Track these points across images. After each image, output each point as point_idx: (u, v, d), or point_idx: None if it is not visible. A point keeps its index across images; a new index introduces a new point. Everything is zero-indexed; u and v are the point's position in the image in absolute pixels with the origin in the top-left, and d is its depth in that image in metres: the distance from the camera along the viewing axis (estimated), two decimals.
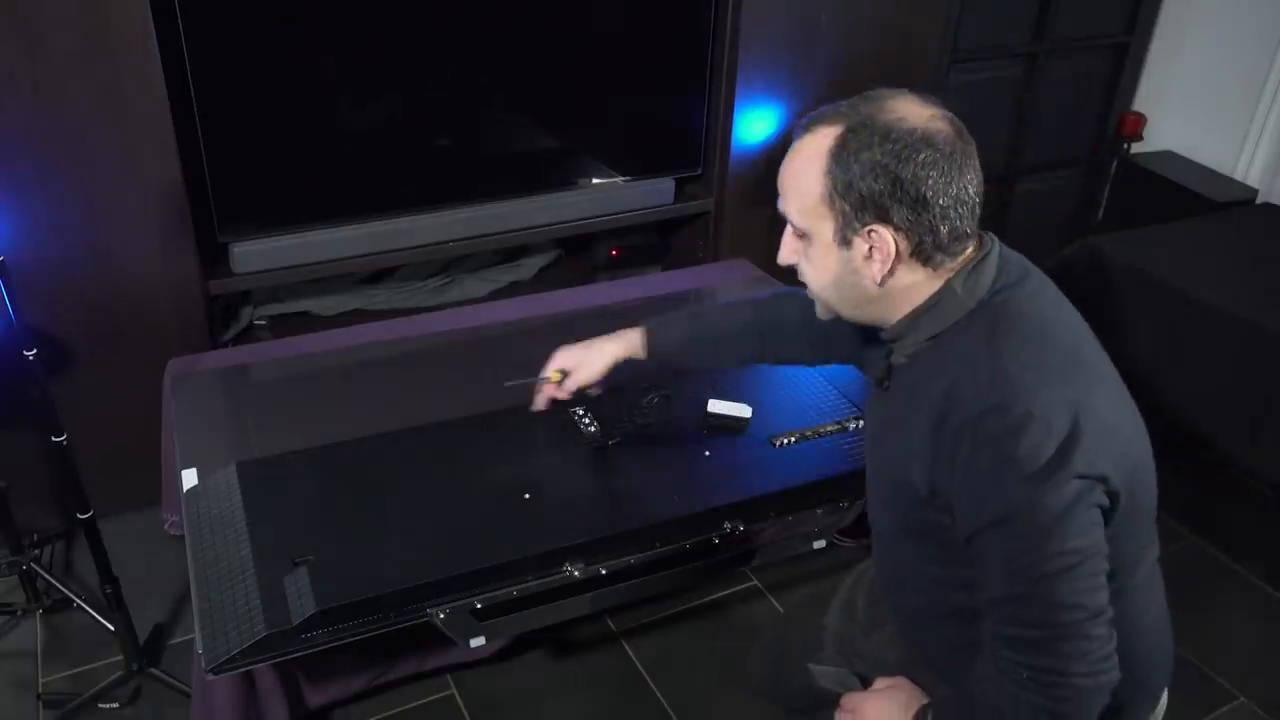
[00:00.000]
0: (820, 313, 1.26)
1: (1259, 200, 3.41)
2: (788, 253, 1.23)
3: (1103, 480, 1.06)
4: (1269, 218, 3.21)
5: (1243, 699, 2.17)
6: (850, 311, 1.22)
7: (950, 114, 1.13)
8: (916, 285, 1.15)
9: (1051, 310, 1.17)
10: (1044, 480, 1.03)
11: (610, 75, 2.74)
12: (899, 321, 1.18)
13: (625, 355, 1.64)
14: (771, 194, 1.21)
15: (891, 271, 1.14)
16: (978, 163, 1.12)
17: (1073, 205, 3.83)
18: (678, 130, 2.83)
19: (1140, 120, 3.69)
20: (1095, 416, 1.07)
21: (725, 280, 2.70)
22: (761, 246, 2.96)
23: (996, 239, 1.18)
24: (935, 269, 1.14)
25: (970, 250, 1.15)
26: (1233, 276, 2.75)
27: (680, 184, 2.89)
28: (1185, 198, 3.40)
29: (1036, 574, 1.05)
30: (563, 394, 1.66)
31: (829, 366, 2.13)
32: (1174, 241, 2.97)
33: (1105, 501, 1.08)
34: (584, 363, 1.64)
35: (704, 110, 2.81)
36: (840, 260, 1.16)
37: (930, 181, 1.08)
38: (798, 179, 1.16)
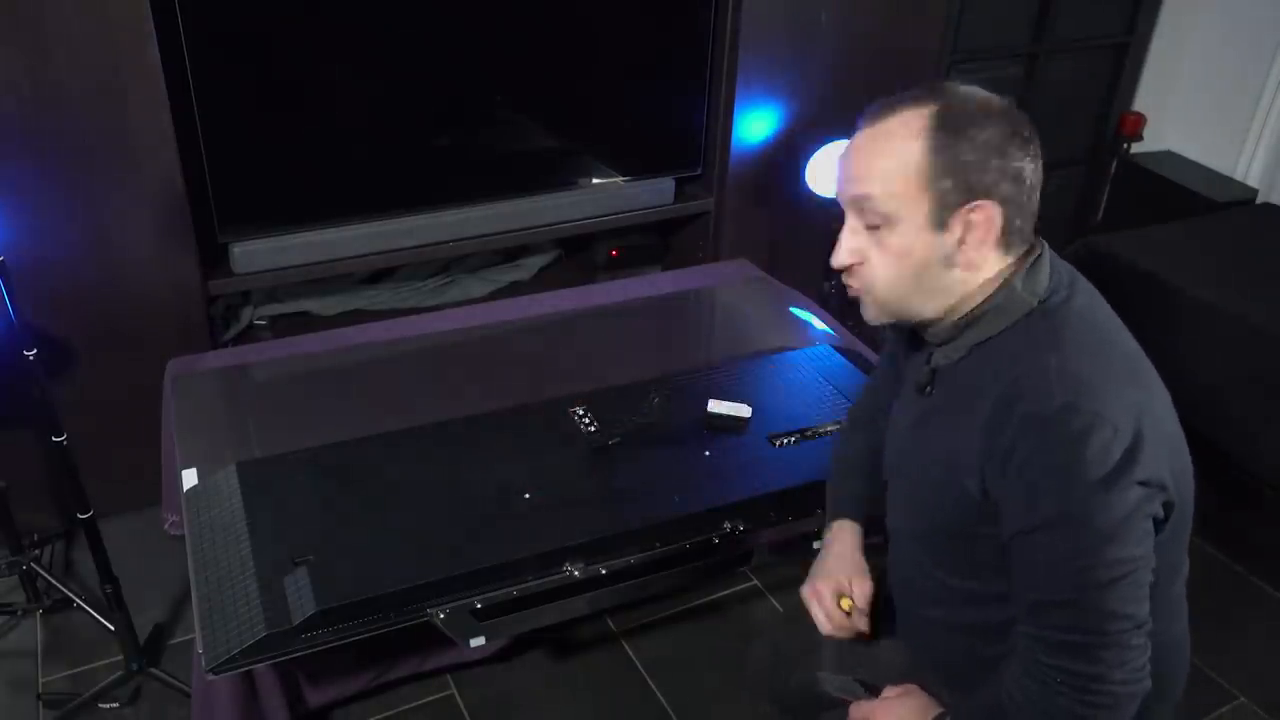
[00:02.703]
0: (872, 316, 1.22)
1: (1259, 200, 3.41)
2: (847, 254, 1.17)
3: (1162, 488, 1.06)
4: (1269, 218, 3.21)
5: (1243, 699, 2.17)
6: (919, 306, 1.17)
7: None
8: (986, 276, 1.14)
9: (1106, 314, 1.18)
10: (1109, 485, 1.02)
11: (610, 75, 2.74)
12: (956, 320, 1.17)
13: (858, 540, 1.46)
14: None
15: (983, 253, 1.13)
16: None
17: (1073, 205, 3.83)
18: (678, 130, 2.83)
19: (1140, 120, 3.68)
20: (1157, 423, 1.07)
21: (725, 280, 2.70)
22: (761, 247, 2.96)
23: (1045, 242, 1.18)
24: (1009, 258, 1.15)
25: (1026, 248, 1.16)
26: (1233, 276, 2.75)
27: (680, 184, 2.88)
28: (1185, 198, 3.40)
29: (1087, 580, 1.04)
30: (863, 624, 1.40)
31: (829, 366, 2.14)
32: (1174, 241, 2.97)
33: (1160, 512, 1.07)
34: (855, 576, 1.41)
35: (704, 110, 2.81)
36: (930, 245, 1.12)
37: (1027, 159, 1.10)
38: (887, 161, 1.11)
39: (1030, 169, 1.11)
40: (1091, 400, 1.04)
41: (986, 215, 1.10)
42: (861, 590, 1.38)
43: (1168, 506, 1.09)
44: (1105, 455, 1.02)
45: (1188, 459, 1.16)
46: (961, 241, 1.12)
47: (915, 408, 1.26)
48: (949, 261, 1.13)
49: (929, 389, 1.23)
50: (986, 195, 1.09)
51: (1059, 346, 1.09)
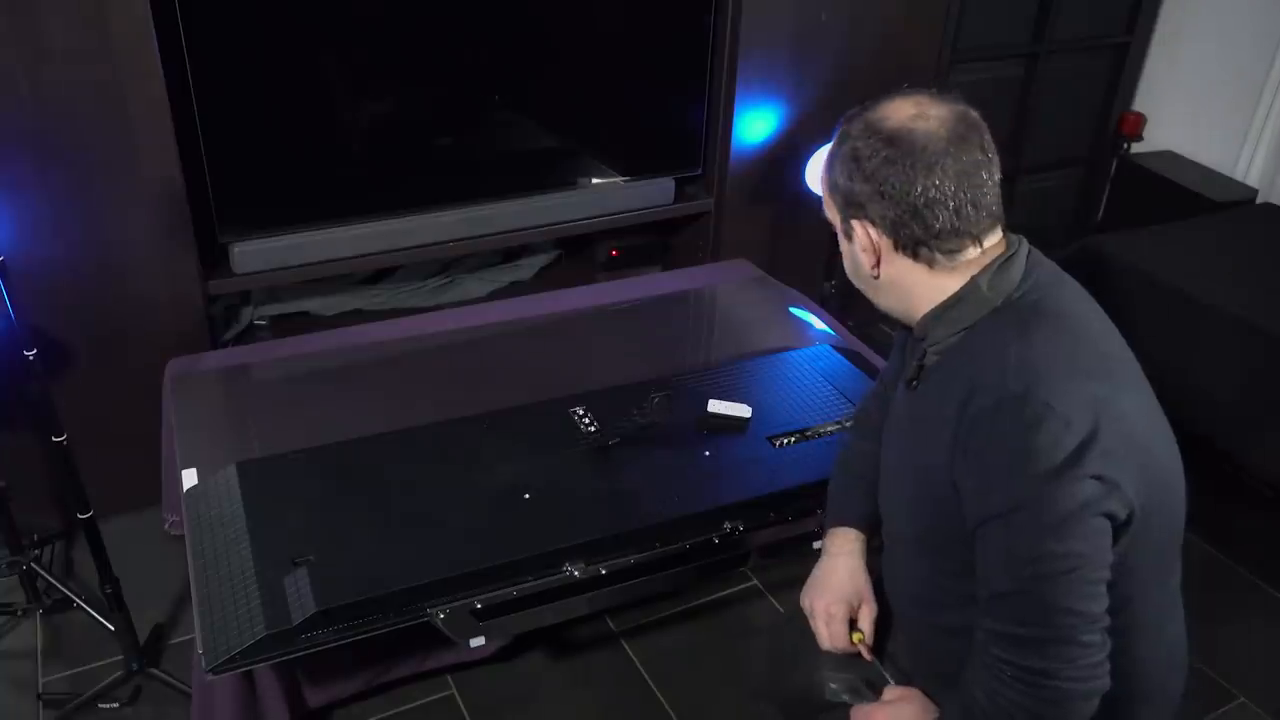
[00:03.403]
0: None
1: (1259, 200, 3.41)
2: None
3: (1116, 487, 1.05)
4: (1269, 218, 3.21)
5: (1243, 699, 2.17)
6: (874, 299, 1.26)
7: (957, 115, 1.13)
8: (917, 279, 1.17)
9: (1087, 313, 1.17)
10: (1056, 477, 1.02)
11: (610, 75, 2.74)
12: (924, 317, 1.19)
13: (863, 551, 1.47)
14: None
15: (879, 263, 1.18)
16: (974, 164, 1.12)
17: (1073, 205, 3.83)
18: (678, 130, 2.83)
19: (1140, 120, 3.69)
20: (1120, 421, 1.06)
21: (725, 280, 2.70)
22: (761, 246, 2.96)
23: (1025, 241, 1.19)
24: (932, 265, 1.16)
25: (981, 250, 1.15)
26: (1233, 276, 2.75)
27: (680, 184, 2.88)
28: (1185, 198, 3.40)
29: (1034, 572, 1.04)
30: (868, 655, 1.43)
31: (829, 366, 2.14)
32: (1174, 241, 2.97)
33: (1119, 513, 1.06)
34: (864, 598, 1.43)
35: (704, 110, 2.81)
36: (848, 251, 1.24)
37: (890, 179, 1.12)
38: (820, 177, 1.25)
39: (901, 188, 1.11)
40: (1044, 391, 1.04)
41: (859, 232, 1.18)
42: (868, 616, 1.42)
43: (1126, 509, 1.07)
44: (1054, 447, 1.02)
45: (1170, 463, 1.16)
46: (864, 249, 1.19)
47: (905, 405, 1.28)
48: (861, 265, 1.21)
49: (914, 383, 1.24)
50: (860, 215, 1.17)
51: (1021, 339, 1.10)
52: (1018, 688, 1.08)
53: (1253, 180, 3.48)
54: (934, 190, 1.11)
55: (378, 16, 2.38)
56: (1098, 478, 1.03)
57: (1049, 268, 1.19)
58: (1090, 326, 1.16)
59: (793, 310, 2.50)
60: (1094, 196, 3.82)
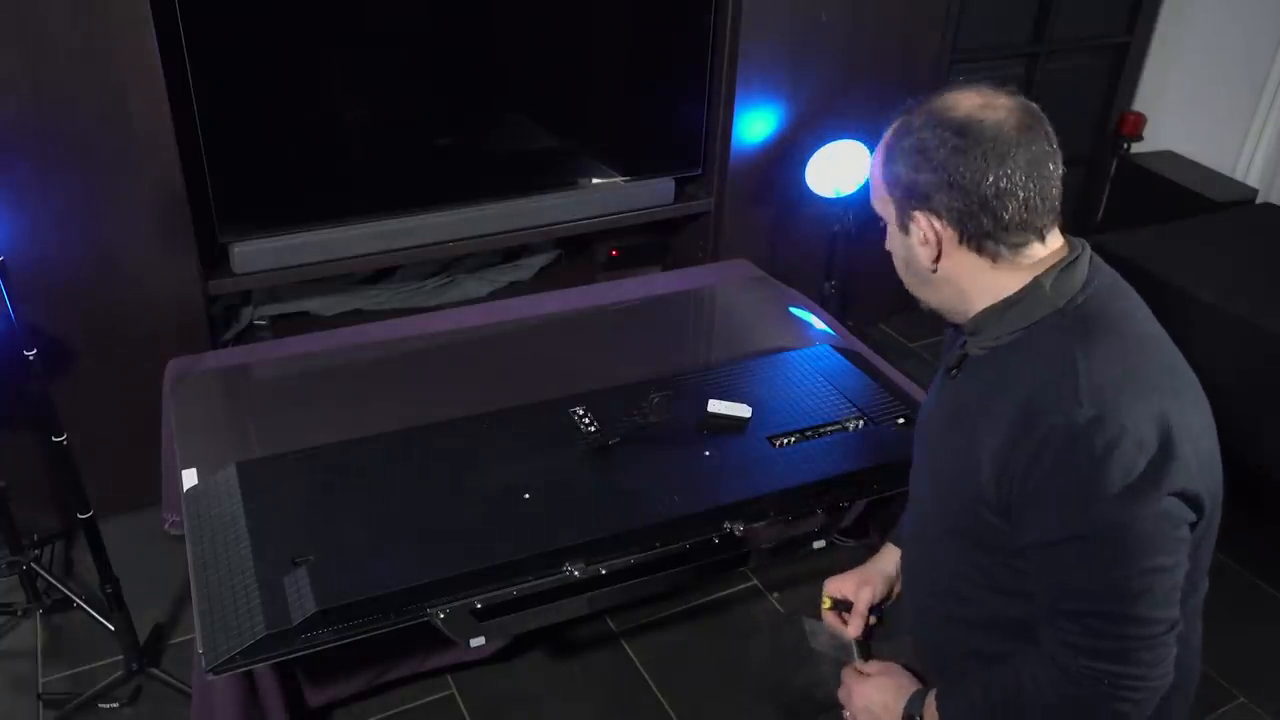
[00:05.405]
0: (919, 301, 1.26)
1: (1259, 200, 3.41)
2: (888, 243, 1.26)
3: (1194, 497, 1.07)
4: (1269, 218, 3.21)
5: (1243, 699, 2.17)
6: (925, 296, 1.23)
7: (1021, 106, 1.12)
8: (977, 274, 1.15)
9: (1144, 319, 1.17)
10: (1136, 498, 1.03)
11: (610, 75, 2.74)
12: (981, 313, 1.17)
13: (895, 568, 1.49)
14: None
15: (940, 256, 1.15)
16: (1042, 155, 1.11)
17: (1073, 205, 3.83)
18: (678, 130, 2.83)
19: (1140, 120, 3.68)
20: (1186, 430, 1.06)
21: (725, 280, 2.70)
22: (761, 246, 2.96)
23: (1088, 245, 1.17)
24: (995, 260, 1.13)
25: (1045, 248, 1.14)
26: (1233, 276, 2.75)
27: (680, 184, 2.88)
28: (1185, 198, 3.40)
29: (1121, 591, 1.05)
30: (854, 628, 1.47)
31: (829, 366, 2.14)
32: (1174, 241, 2.97)
33: (1192, 517, 1.08)
34: (864, 581, 1.48)
35: (704, 110, 2.81)
36: (903, 245, 1.19)
37: (960, 169, 1.09)
38: (872, 171, 1.21)
39: (972, 177, 1.09)
40: (1117, 412, 1.03)
41: (922, 224, 1.14)
42: (862, 597, 1.45)
43: (1197, 517, 1.09)
44: (1130, 469, 1.02)
45: (1220, 473, 1.15)
46: (923, 243, 1.16)
47: (944, 392, 1.27)
48: (917, 260, 1.18)
49: (955, 371, 1.23)
50: (923, 206, 1.13)
51: (1088, 351, 1.08)
52: (1111, 692, 1.09)
53: (1253, 180, 3.48)
54: (1005, 181, 1.09)
55: (378, 16, 2.38)
56: (1178, 494, 1.04)
57: (1108, 273, 1.17)
58: (1153, 337, 1.15)
59: (793, 310, 2.50)
60: (1094, 196, 3.82)
